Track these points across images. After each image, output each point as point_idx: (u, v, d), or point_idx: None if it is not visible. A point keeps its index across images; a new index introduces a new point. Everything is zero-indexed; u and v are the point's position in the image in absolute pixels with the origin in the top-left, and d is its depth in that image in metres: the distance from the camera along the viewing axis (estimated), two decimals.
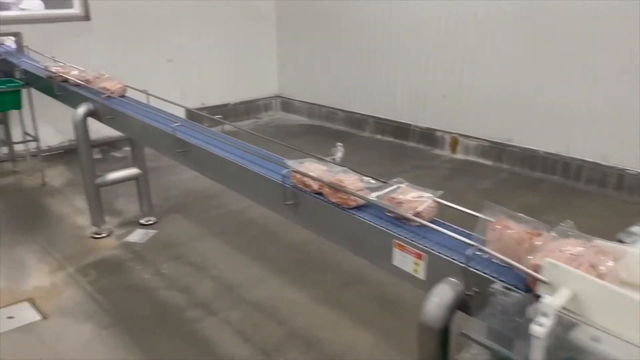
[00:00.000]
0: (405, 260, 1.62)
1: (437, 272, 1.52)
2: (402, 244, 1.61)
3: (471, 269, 1.41)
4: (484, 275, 1.39)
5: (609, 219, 3.90)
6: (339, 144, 2.15)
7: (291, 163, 2.01)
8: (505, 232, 1.42)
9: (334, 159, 2.10)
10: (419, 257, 1.58)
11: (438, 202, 1.72)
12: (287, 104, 7.48)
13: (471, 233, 1.55)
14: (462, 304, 1.46)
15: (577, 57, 4.44)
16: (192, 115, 4.73)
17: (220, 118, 2.84)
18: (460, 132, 5.45)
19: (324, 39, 6.65)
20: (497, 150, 5.17)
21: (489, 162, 5.24)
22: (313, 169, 1.95)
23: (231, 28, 6.76)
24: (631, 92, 4.15)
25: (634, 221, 1.48)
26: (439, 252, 1.51)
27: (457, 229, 1.63)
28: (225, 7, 6.64)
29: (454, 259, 1.46)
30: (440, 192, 1.74)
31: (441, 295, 1.46)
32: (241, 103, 7.15)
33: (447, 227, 1.63)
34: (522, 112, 4.92)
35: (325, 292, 3.05)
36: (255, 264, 3.37)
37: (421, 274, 1.58)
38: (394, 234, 1.63)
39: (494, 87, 5.05)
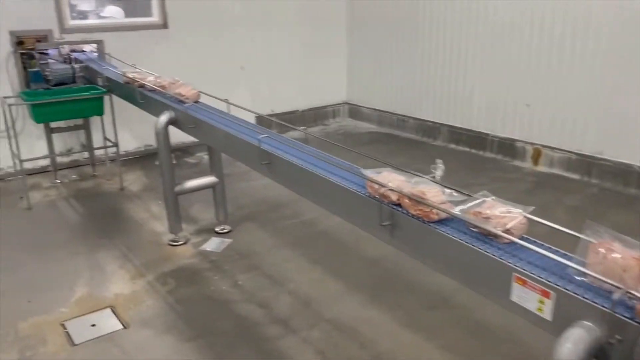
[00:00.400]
0: (526, 297, 1.45)
1: (568, 313, 1.34)
2: (524, 278, 1.45)
3: (618, 316, 1.23)
4: (633, 322, 1.21)
5: None
6: (439, 160, 2.03)
7: (369, 173, 1.93)
8: (609, 255, 1.28)
9: (433, 176, 1.98)
10: (545, 295, 1.40)
11: (528, 219, 1.59)
12: (354, 111, 7.37)
13: (567, 253, 1.42)
14: (600, 352, 1.28)
15: None
16: (263, 121, 4.74)
17: (303, 129, 2.76)
18: (543, 143, 5.12)
19: (395, 43, 6.49)
20: (586, 163, 4.81)
21: (575, 176, 4.89)
22: (391, 178, 1.88)
23: (301, 34, 6.74)
24: None
25: None
26: (573, 292, 1.33)
27: (551, 248, 1.50)
28: (296, 13, 6.63)
29: (595, 303, 1.28)
30: (531, 208, 1.62)
31: (576, 341, 1.28)
32: (309, 110, 7.11)
33: (539, 246, 1.50)
34: (615, 123, 4.55)
35: (407, 313, 2.89)
36: (331, 279, 3.26)
37: (547, 314, 1.40)
38: (514, 267, 1.46)
39: (584, 95, 4.71)
